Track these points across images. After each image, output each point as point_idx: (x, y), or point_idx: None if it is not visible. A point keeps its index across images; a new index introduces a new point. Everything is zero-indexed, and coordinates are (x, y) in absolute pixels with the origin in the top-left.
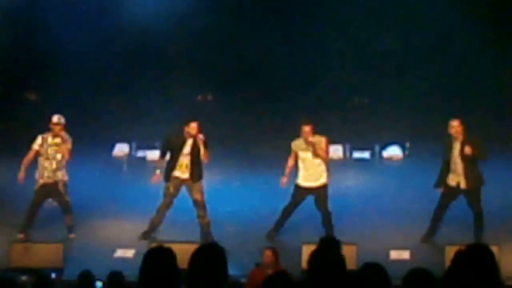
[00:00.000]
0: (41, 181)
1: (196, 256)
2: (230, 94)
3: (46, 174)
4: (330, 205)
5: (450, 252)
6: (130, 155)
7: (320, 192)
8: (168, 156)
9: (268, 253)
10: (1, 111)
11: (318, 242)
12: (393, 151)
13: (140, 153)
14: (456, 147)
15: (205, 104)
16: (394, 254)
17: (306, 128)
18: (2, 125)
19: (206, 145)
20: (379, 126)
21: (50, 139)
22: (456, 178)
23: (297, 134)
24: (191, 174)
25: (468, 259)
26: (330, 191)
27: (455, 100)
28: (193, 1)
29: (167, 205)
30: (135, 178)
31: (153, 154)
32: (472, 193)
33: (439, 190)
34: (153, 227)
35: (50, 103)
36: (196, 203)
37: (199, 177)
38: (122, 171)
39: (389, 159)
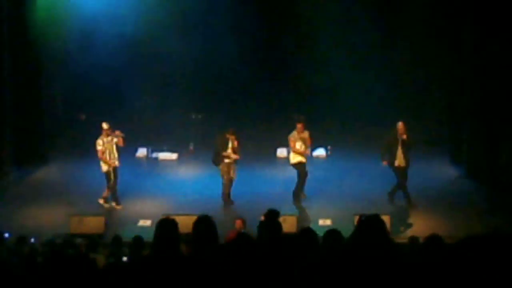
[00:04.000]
0: (111, 167)
1: (196, 224)
2: (216, 113)
3: (111, 161)
4: (282, 189)
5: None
6: (148, 156)
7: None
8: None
9: (239, 221)
10: (65, 128)
11: (264, 214)
12: (320, 152)
13: (154, 155)
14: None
15: (197, 121)
16: (321, 222)
17: (299, 124)
18: (69, 139)
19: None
20: (311, 135)
21: (105, 139)
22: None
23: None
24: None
25: (366, 225)
26: (281, 179)
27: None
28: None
29: (230, 179)
30: (151, 171)
31: (163, 155)
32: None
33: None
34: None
35: (95, 122)
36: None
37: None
38: (143, 167)
39: (317, 157)
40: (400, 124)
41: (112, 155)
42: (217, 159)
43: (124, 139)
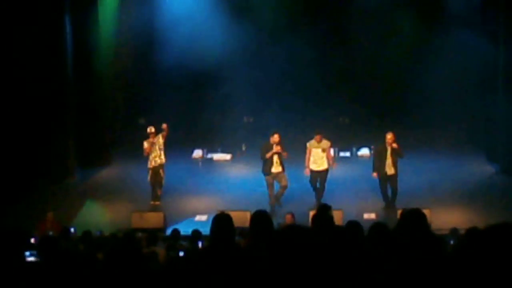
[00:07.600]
0: (152, 166)
1: (253, 217)
2: (262, 118)
3: (152, 162)
4: (329, 185)
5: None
6: (203, 157)
7: (322, 173)
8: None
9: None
10: (127, 132)
11: (316, 208)
12: (364, 152)
13: (209, 155)
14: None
15: (248, 124)
16: (366, 216)
17: (317, 135)
18: (130, 142)
19: (283, 149)
20: (355, 136)
21: (149, 141)
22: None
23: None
24: (282, 167)
25: (408, 218)
26: (329, 176)
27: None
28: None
29: (272, 189)
30: (207, 171)
31: (217, 156)
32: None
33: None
34: (276, 201)
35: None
36: (283, 187)
37: (284, 169)
38: (199, 167)
39: (361, 156)
40: (389, 134)
41: (152, 156)
42: (264, 169)
43: (164, 136)
